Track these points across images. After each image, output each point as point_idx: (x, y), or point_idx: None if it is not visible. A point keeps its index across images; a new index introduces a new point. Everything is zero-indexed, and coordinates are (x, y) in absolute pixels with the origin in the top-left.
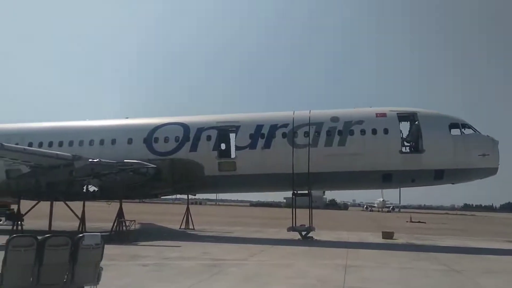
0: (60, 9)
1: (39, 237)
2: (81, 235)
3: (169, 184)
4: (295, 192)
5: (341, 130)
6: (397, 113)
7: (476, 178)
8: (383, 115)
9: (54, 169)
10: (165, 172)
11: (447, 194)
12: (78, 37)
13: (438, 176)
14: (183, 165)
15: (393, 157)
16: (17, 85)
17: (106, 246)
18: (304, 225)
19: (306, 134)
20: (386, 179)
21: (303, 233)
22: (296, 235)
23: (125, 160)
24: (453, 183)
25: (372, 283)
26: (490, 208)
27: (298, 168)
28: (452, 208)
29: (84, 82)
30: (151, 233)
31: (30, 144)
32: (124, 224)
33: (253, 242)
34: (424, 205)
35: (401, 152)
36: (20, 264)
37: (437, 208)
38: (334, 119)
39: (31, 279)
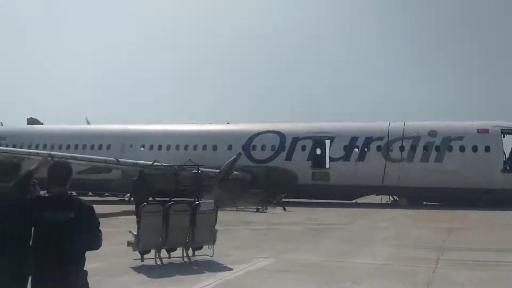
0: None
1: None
2: (197, 202)
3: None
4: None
5: (439, 146)
6: (500, 129)
7: None
8: (485, 131)
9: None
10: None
11: None
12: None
13: None
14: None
15: (495, 176)
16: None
17: (222, 213)
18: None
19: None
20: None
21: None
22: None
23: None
24: None
25: (472, 244)
26: None
27: (391, 181)
28: None
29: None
30: None
31: (151, 147)
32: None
33: (357, 207)
34: None
35: (502, 171)
36: (151, 227)
37: None
38: (432, 133)
39: (160, 239)
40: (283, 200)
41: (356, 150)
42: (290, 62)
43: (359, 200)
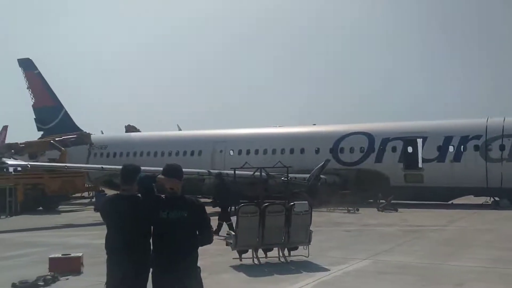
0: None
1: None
2: (292, 203)
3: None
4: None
5: None
6: None
7: None
8: None
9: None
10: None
11: None
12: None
13: None
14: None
15: None
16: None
17: (313, 214)
18: None
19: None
20: None
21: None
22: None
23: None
24: None
25: None
26: None
27: (491, 182)
28: None
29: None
30: None
31: (240, 151)
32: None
33: (453, 209)
34: None
35: None
36: (248, 227)
37: None
38: None
39: (257, 239)
40: (392, 201)
41: (451, 150)
42: (369, 61)
43: (455, 201)
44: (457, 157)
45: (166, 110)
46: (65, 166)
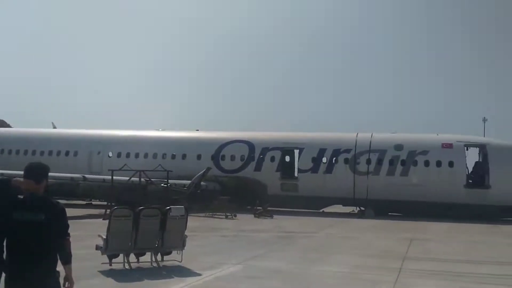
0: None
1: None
2: (168, 207)
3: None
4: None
5: (404, 160)
6: (464, 144)
7: None
8: (449, 145)
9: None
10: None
11: None
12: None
13: (506, 211)
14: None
15: (458, 190)
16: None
17: (191, 220)
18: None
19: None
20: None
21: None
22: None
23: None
24: None
25: (434, 254)
26: None
27: (358, 194)
28: None
29: None
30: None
31: (119, 154)
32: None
33: (324, 217)
34: None
35: (465, 186)
36: (121, 231)
37: None
38: (398, 147)
39: (130, 243)
40: (268, 208)
41: (324, 161)
42: (259, 69)
43: (327, 210)
44: (329, 168)
45: (41, 106)
46: None
